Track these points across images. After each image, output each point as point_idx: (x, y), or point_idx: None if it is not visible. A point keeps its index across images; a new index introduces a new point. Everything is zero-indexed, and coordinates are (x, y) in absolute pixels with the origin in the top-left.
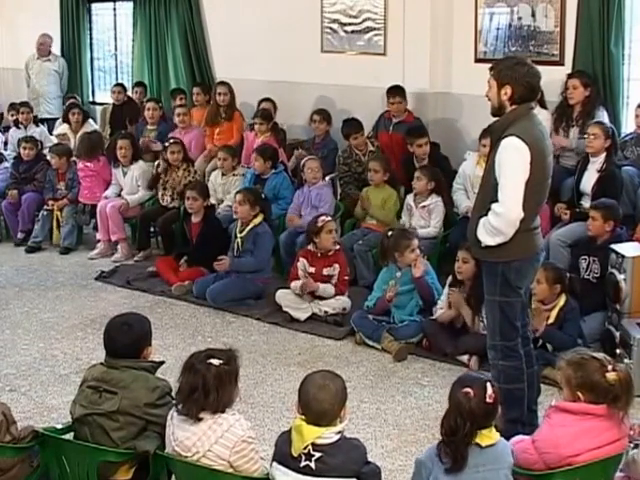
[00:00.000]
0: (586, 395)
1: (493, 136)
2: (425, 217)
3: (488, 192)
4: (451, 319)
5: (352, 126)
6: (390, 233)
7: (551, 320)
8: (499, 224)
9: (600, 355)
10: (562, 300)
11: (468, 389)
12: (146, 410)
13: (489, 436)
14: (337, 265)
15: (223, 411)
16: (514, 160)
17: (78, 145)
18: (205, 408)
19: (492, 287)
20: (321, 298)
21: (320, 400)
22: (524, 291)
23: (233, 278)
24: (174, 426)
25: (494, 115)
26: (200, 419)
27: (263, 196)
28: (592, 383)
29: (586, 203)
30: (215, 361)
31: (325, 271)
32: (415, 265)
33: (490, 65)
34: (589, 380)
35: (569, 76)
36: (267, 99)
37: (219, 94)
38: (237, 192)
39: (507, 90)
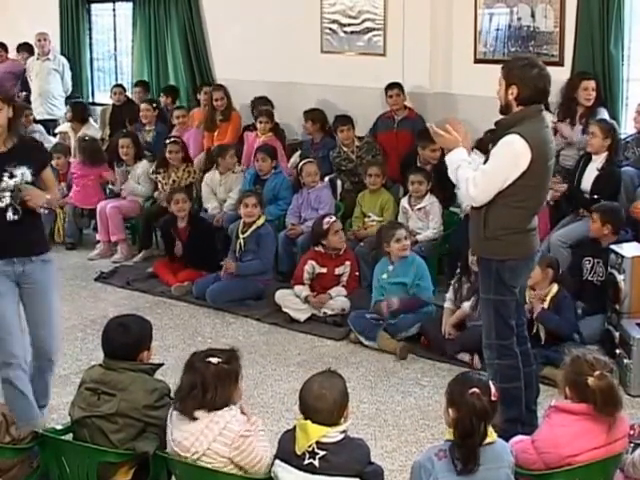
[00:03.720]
0: (572, 392)
1: (498, 132)
2: (422, 219)
3: None
4: (458, 321)
5: (340, 120)
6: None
7: (544, 306)
8: (468, 196)
9: (597, 358)
10: (554, 288)
11: (476, 389)
12: (145, 412)
13: (488, 434)
14: (348, 262)
15: (220, 409)
16: (506, 158)
17: (79, 152)
18: (202, 406)
19: (487, 285)
20: None
21: (318, 409)
22: (519, 290)
23: (233, 279)
24: (172, 427)
25: (502, 114)
26: (195, 418)
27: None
28: (576, 382)
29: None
30: (214, 359)
31: (337, 270)
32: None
33: (502, 64)
34: (574, 378)
35: (586, 78)
36: (262, 98)
37: (216, 100)
38: (246, 195)
39: (513, 90)
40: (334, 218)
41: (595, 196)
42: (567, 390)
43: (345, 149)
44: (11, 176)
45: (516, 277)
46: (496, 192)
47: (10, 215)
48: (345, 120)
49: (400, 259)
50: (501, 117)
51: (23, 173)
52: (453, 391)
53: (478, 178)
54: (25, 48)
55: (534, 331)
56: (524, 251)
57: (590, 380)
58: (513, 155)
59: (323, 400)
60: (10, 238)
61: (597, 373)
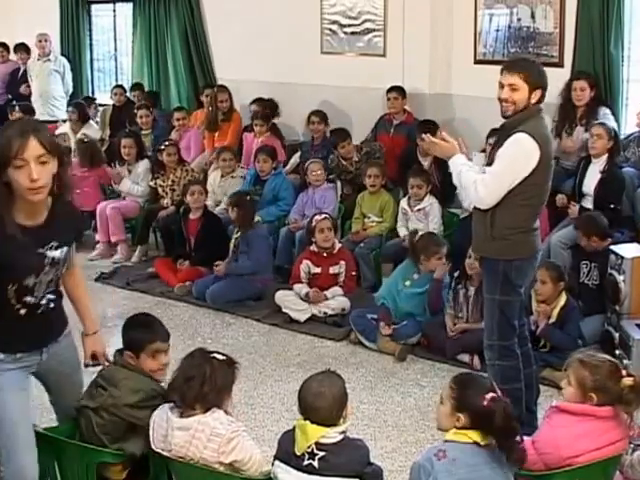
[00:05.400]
0: (599, 397)
1: (503, 133)
2: (422, 220)
3: None
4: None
5: (339, 135)
6: (420, 234)
7: (552, 320)
8: (477, 198)
9: (613, 358)
10: (563, 299)
11: (492, 394)
12: (125, 411)
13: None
14: (343, 262)
15: (208, 410)
16: (516, 157)
17: (77, 154)
18: (197, 399)
19: (492, 286)
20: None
21: (317, 408)
22: (524, 290)
23: (233, 279)
24: (169, 429)
25: (505, 117)
26: (194, 409)
27: (248, 197)
28: (607, 387)
29: (588, 204)
30: (219, 356)
31: (332, 270)
32: (439, 267)
33: (506, 66)
34: (604, 384)
35: (575, 78)
36: (261, 99)
37: (221, 101)
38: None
39: (537, 93)
40: (323, 216)
41: (611, 205)
42: (595, 396)
43: (344, 162)
44: (52, 263)
45: (522, 276)
46: (505, 192)
47: (43, 309)
48: (344, 135)
49: (429, 271)
50: (504, 121)
51: (62, 258)
52: (465, 396)
53: (488, 180)
54: (22, 48)
55: (541, 345)
56: (530, 250)
57: (625, 381)
58: (524, 154)
59: (322, 398)
60: (40, 329)
61: (625, 372)
